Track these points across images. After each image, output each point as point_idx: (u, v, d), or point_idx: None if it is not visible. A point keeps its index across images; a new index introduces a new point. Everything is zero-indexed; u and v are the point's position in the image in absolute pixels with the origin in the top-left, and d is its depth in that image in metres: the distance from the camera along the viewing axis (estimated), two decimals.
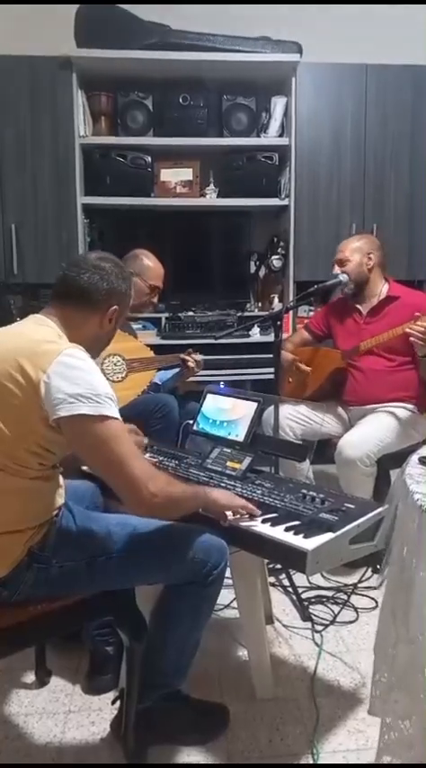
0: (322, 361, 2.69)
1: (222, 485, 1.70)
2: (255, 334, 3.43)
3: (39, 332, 1.39)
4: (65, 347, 1.32)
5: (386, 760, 1.28)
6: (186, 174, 3.51)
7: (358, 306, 2.66)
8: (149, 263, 2.60)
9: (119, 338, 2.40)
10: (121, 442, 1.30)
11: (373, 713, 1.42)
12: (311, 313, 3.45)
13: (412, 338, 2.30)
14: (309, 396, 2.67)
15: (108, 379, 2.33)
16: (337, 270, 2.62)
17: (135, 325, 3.04)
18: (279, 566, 2.32)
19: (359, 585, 2.26)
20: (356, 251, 2.61)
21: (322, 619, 2.13)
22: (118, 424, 1.30)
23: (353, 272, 2.59)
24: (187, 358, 2.57)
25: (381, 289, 2.63)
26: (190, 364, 2.56)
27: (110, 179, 3.36)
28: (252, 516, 1.50)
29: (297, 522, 1.46)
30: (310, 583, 2.30)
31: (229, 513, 1.48)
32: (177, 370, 2.65)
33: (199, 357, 2.60)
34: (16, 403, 1.28)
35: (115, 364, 2.37)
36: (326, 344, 2.83)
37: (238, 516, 1.49)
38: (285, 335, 2.71)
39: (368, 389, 2.59)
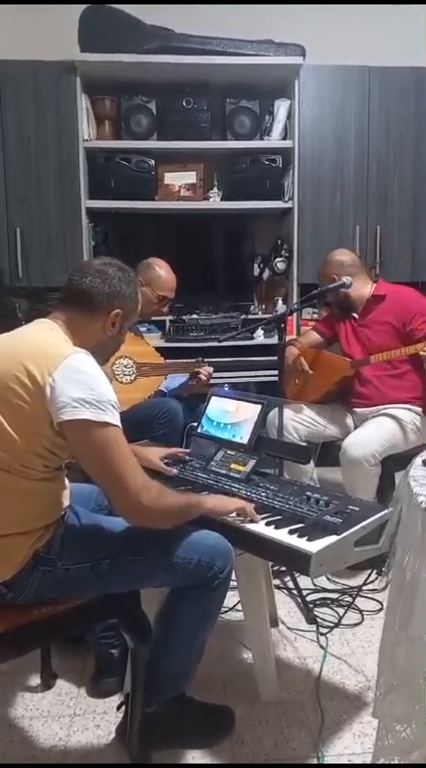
0: (329, 368, 2.67)
1: (226, 487, 1.70)
2: (259, 337, 3.42)
3: (45, 336, 1.40)
4: (72, 351, 1.33)
5: (381, 762, 1.27)
6: (190, 177, 3.52)
7: (350, 311, 2.70)
8: (160, 273, 2.58)
9: (131, 341, 2.42)
10: (118, 450, 1.31)
11: (376, 715, 1.42)
12: (315, 315, 3.45)
13: None
14: (315, 401, 2.67)
15: (116, 379, 2.34)
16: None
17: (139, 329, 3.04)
18: (283, 568, 2.32)
19: (364, 588, 2.25)
20: (323, 276, 2.69)
21: (326, 621, 2.13)
22: (117, 432, 1.31)
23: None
24: (200, 370, 2.55)
25: (368, 291, 2.66)
26: (202, 376, 2.54)
27: (115, 183, 3.36)
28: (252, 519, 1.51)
29: (301, 525, 1.46)
30: (315, 585, 2.30)
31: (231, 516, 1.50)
32: (184, 379, 2.64)
33: (209, 369, 2.58)
34: (23, 405, 1.29)
35: (125, 366, 2.37)
36: (333, 349, 2.84)
37: (239, 518, 1.50)
38: (289, 338, 2.72)
39: (374, 393, 2.59)
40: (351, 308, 2.68)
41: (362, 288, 2.66)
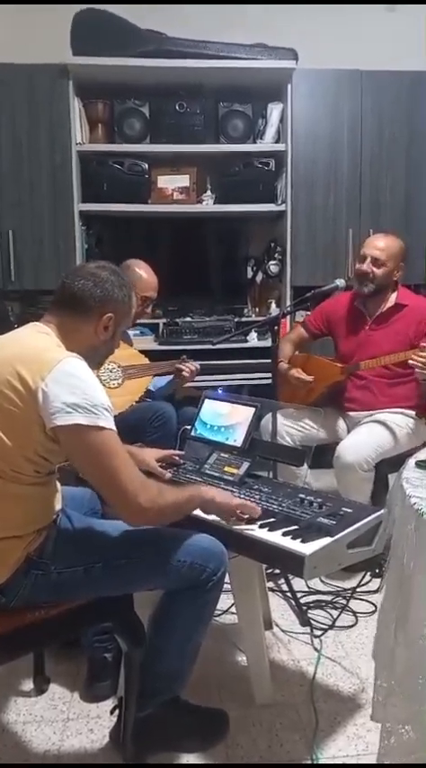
0: (320, 373, 2.65)
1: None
2: (253, 340, 3.43)
3: (37, 340, 1.39)
4: (64, 356, 1.32)
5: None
6: (183, 180, 3.52)
7: (363, 310, 2.63)
8: (142, 274, 2.57)
9: None
10: (114, 454, 1.30)
11: (375, 719, 1.42)
12: None
13: (416, 369, 2.31)
14: (308, 404, 2.65)
15: (104, 385, 2.33)
16: (366, 267, 2.52)
17: (132, 332, 3.04)
18: (277, 570, 2.32)
19: (358, 590, 2.26)
20: (393, 258, 2.53)
21: (321, 623, 2.13)
22: (112, 435, 1.31)
23: (381, 278, 2.53)
24: (181, 367, 2.54)
25: (391, 295, 2.59)
26: (185, 373, 2.54)
27: (107, 186, 3.36)
28: (251, 519, 1.50)
29: (294, 527, 1.46)
30: (309, 587, 2.30)
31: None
32: (171, 377, 2.64)
33: (194, 365, 2.57)
34: (14, 410, 1.28)
35: (111, 371, 2.37)
36: (324, 348, 2.84)
37: (238, 518, 1.50)
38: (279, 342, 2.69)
39: (368, 398, 2.58)
40: (373, 304, 2.59)
41: (391, 292, 2.59)
